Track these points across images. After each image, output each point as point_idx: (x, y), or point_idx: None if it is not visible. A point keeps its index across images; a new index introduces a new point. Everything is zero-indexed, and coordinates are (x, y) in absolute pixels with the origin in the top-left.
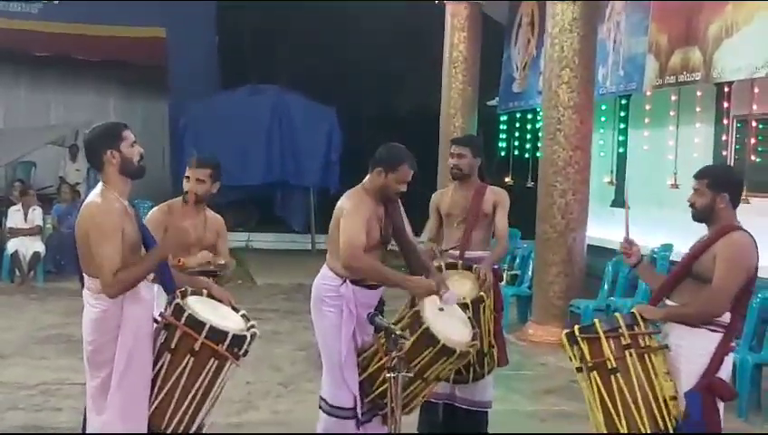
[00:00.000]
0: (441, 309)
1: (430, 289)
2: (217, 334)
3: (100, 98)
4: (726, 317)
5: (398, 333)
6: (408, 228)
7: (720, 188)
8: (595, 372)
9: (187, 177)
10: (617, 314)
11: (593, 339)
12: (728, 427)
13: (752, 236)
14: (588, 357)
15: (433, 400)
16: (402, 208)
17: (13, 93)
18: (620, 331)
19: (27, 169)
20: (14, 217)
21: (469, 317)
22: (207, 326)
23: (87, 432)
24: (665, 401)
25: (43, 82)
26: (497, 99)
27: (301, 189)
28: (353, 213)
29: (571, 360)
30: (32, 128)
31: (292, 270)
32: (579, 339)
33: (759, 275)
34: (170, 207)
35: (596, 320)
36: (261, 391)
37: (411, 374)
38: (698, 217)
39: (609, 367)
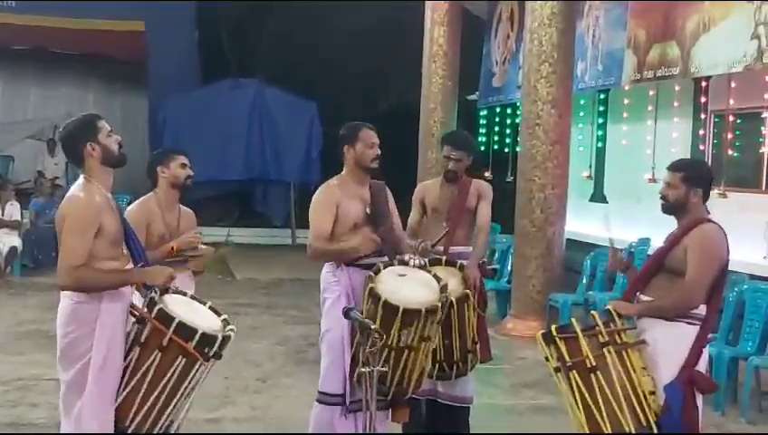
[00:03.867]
0: (403, 275)
1: (373, 240)
2: (186, 331)
3: (79, 92)
4: (702, 310)
5: (372, 327)
6: (394, 213)
7: (695, 183)
8: (575, 372)
9: (184, 164)
10: (593, 313)
11: (570, 338)
12: (705, 420)
13: (721, 227)
14: (566, 357)
15: (416, 396)
16: (390, 194)
17: None
18: (597, 328)
19: (5, 163)
20: None
21: (434, 275)
22: (176, 321)
23: (61, 432)
24: (644, 395)
25: (21, 75)
26: (477, 93)
27: (281, 184)
28: (314, 206)
29: (547, 360)
30: (9, 122)
31: (272, 265)
32: (556, 339)
33: (736, 269)
34: (147, 203)
35: (573, 319)
36: (239, 386)
37: (385, 369)
38: (669, 209)
39: (589, 366)
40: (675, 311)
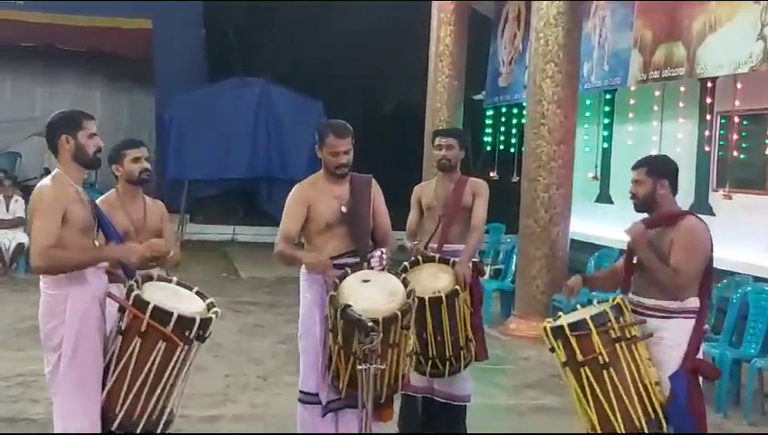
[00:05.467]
0: (367, 280)
1: (323, 265)
2: (163, 315)
3: (86, 90)
4: (696, 303)
5: (369, 325)
6: (382, 210)
7: (659, 174)
8: (587, 368)
9: (137, 157)
10: (604, 308)
11: (583, 335)
12: (707, 422)
13: (703, 220)
14: (578, 353)
15: (412, 393)
16: (379, 192)
17: None
18: (609, 324)
19: (12, 160)
20: None
21: (403, 280)
22: (152, 306)
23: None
24: (651, 386)
25: (28, 72)
26: (483, 93)
27: (286, 183)
28: (286, 206)
29: (553, 351)
30: (16, 119)
31: (276, 264)
32: (568, 336)
33: (740, 271)
34: (108, 201)
35: (587, 316)
36: (239, 383)
37: (384, 367)
38: (641, 206)
39: (602, 362)
40: (661, 280)
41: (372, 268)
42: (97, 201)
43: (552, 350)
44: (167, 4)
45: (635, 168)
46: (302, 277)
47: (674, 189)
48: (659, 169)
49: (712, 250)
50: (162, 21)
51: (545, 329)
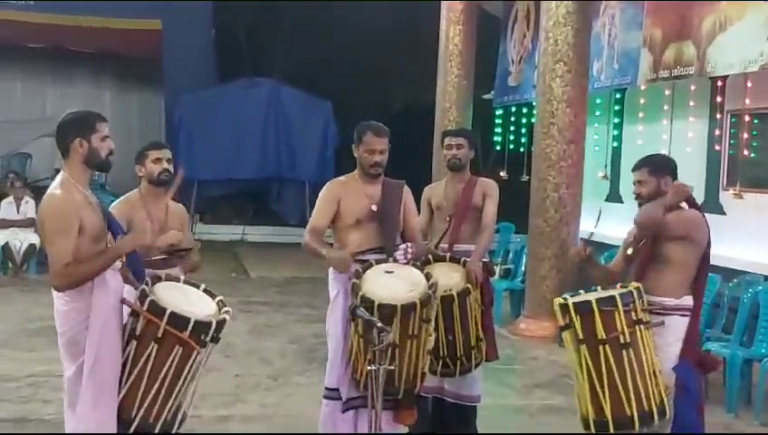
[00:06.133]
0: (390, 272)
1: (342, 262)
2: (179, 321)
3: (96, 90)
4: (690, 301)
5: (379, 326)
6: (412, 215)
7: (661, 172)
8: (607, 346)
9: (158, 159)
10: (630, 288)
11: (608, 312)
12: (718, 422)
13: (702, 215)
14: (601, 330)
15: (422, 394)
16: (410, 197)
17: (7, 85)
18: (633, 305)
19: (23, 161)
20: (6, 209)
21: (426, 274)
22: (168, 312)
23: (66, 430)
24: (658, 374)
25: (38, 74)
26: (493, 92)
27: (296, 183)
28: (317, 202)
29: (566, 328)
30: (27, 120)
31: (285, 263)
32: (594, 310)
33: (751, 270)
34: (130, 201)
35: (616, 293)
36: (250, 383)
37: (393, 367)
38: None
39: (622, 341)
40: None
41: (397, 261)
42: (118, 201)
43: (566, 327)
44: (176, 5)
45: (635, 169)
46: (329, 274)
47: None
48: (660, 166)
49: (708, 247)
50: (172, 22)
51: (564, 304)
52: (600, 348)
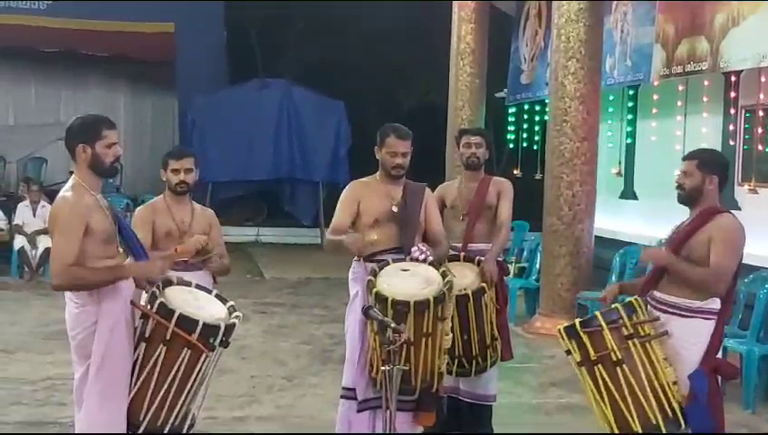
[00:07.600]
0: (406, 270)
1: (357, 243)
2: (188, 323)
3: (111, 94)
4: (717, 304)
5: (392, 326)
6: (434, 217)
7: (710, 169)
8: (600, 366)
9: (176, 169)
10: (616, 305)
11: (595, 332)
12: (735, 419)
13: (738, 220)
14: (591, 351)
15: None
16: (432, 200)
17: (23, 90)
18: (621, 321)
19: (38, 165)
20: (23, 213)
21: (443, 272)
22: (177, 314)
23: (75, 430)
24: (668, 386)
25: (52, 78)
26: (505, 90)
27: (309, 184)
28: (338, 203)
29: (568, 354)
30: (41, 124)
31: (299, 264)
32: (580, 333)
33: (766, 265)
34: (154, 205)
35: (597, 312)
36: (265, 385)
37: (406, 367)
38: (685, 198)
39: (614, 359)
40: (698, 284)
41: (414, 259)
42: (143, 206)
43: (568, 352)
44: (188, 6)
45: (686, 158)
46: (349, 274)
47: (722, 186)
48: (711, 163)
49: (743, 252)
50: (184, 24)
51: (559, 331)
52: (595, 368)
